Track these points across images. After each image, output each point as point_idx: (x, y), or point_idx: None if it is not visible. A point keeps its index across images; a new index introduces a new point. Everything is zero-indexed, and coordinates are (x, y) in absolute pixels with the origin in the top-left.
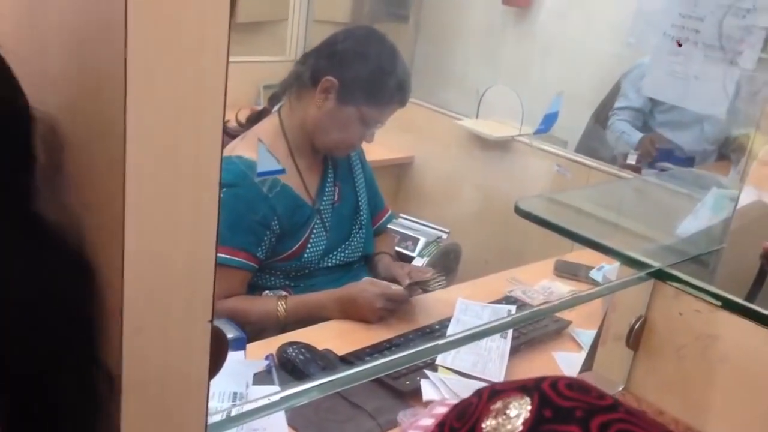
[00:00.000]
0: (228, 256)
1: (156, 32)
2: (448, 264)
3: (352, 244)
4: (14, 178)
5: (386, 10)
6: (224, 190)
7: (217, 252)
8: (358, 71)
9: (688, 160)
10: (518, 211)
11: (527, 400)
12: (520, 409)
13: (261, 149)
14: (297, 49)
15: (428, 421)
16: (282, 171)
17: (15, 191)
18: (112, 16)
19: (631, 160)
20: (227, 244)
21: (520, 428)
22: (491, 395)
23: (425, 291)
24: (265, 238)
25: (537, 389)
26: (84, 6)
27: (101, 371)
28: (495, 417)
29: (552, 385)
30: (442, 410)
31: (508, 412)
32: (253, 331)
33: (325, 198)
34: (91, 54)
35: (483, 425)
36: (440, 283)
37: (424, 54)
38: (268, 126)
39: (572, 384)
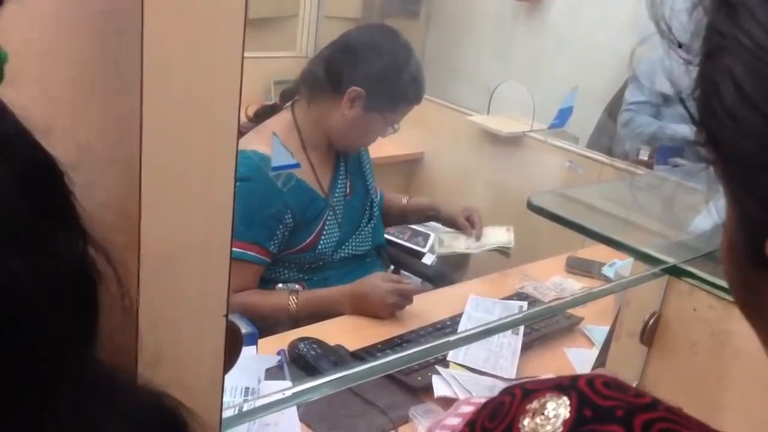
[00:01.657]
0: (241, 250)
1: (172, 28)
2: (458, 260)
3: (362, 235)
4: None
5: (397, 6)
6: (238, 184)
7: (232, 247)
8: (384, 80)
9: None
10: (531, 206)
11: (565, 399)
12: (558, 409)
13: (275, 143)
14: (308, 45)
15: (455, 421)
16: (296, 165)
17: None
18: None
19: (644, 155)
20: (240, 238)
21: (561, 428)
22: (525, 394)
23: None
24: (278, 232)
25: (574, 388)
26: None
27: None
28: (533, 417)
29: (589, 384)
30: (468, 409)
31: (546, 412)
32: (265, 325)
33: (337, 191)
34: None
35: (520, 426)
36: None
37: (434, 49)
38: (281, 121)
39: (609, 382)
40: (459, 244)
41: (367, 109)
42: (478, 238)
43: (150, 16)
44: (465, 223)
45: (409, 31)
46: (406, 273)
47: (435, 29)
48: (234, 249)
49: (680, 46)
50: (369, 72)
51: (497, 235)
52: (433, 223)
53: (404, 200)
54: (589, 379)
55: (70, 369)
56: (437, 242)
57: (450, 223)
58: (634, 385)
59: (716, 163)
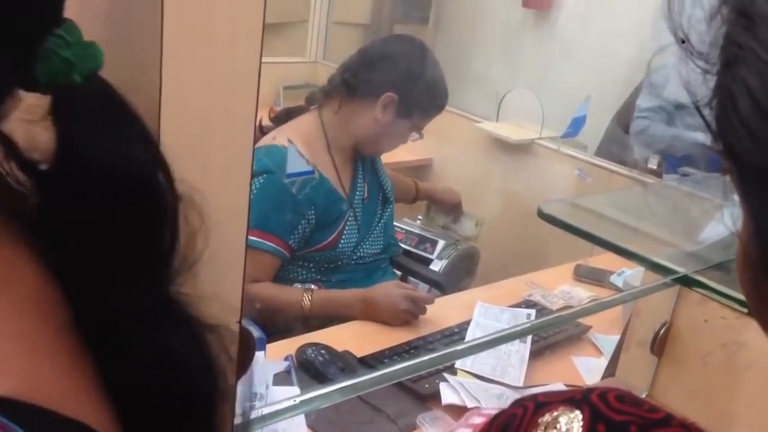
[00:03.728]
0: (259, 240)
1: (190, 32)
2: (466, 267)
3: (373, 234)
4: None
5: (406, 12)
6: (264, 175)
7: (251, 238)
8: (416, 87)
9: (714, 163)
10: (541, 215)
11: (577, 413)
12: (570, 423)
13: (291, 150)
14: (317, 51)
15: None
16: (311, 172)
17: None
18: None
19: (652, 164)
20: (260, 228)
21: None
22: (537, 407)
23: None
24: (299, 227)
25: (586, 401)
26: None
27: None
28: (545, 431)
29: (601, 397)
30: (478, 420)
31: (558, 426)
32: (276, 321)
33: (357, 194)
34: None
35: None
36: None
37: (443, 56)
38: (308, 122)
39: (622, 396)
40: (438, 220)
41: (398, 115)
42: (454, 221)
43: (170, 21)
44: (450, 206)
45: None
46: (414, 280)
47: (444, 36)
48: (253, 238)
49: (699, 54)
50: (402, 79)
51: (466, 228)
52: (441, 230)
53: (414, 185)
54: (602, 393)
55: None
56: (425, 211)
57: (440, 203)
58: (644, 396)
59: (732, 172)
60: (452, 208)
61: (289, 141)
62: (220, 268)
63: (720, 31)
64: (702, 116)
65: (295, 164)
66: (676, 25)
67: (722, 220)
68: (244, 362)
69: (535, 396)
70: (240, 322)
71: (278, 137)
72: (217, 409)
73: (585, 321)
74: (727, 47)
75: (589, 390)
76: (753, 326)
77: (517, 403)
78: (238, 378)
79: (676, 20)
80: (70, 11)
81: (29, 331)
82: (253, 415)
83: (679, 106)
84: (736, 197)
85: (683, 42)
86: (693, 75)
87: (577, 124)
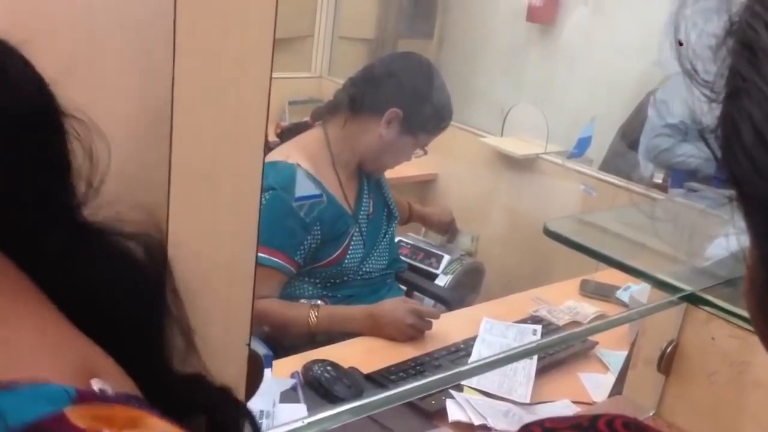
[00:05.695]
0: (266, 256)
1: (201, 51)
2: (472, 282)
3: (378, 250)
4: (55, 185)
5: (411, 27)
6: (270, 191)
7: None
8: (421, 104)
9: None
10: (547, 232)
11: None
12: None
13: (299, 174)
14: (322, 66)
15: None
16: (319, 196)
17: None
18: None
19: (657, 178)
20: (267, 245)
21: None
22: None
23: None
24: (305, 243)
25: (593, 429)
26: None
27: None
28: None
29: (608, 425)
30: None
31: None
32: (282, 336)
33: (362, 210)
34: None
35: None
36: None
37: (448, 71)
38: (313, 138)
39: (629, 423)
40: (435, 239)
41: (402, 131)
42: (450, 240)
43: (182, 37)
44: (443, 226)
45: (422, 53)
46: (419, 295)
47: (448, 50)
48: (260, 254)
49: (705, 83)
50: (408, 96)
51: (462, 244)
52: (446, 245)
53: (408, 207)
54: (609, 420)
55: None
56: (424, 230)
57: (434, 225)
58: (651, 414)
59: (738, 200)
60: (446, 228)
61: (298, 164)
62: (229, 285)
63: (725, 62)
64: (707, 143)
65: (303, 188)
66: (681, 54)
67: (724, 242)
68: (252, 384)
69: (542, 421)
70: (249, 344)
71: (285, 154)
72: (157, 314)
73: (592, 337)
74: (731, 78)
75: (597, 417)
76: (760, 345)
77: (524, 429)
78: (247, 399)
79: (682, 49)
80: (85, 43)
81: (39, 314)
82: None
83: (684, 125)
84: (743, 223)
85: (692, 74)
86: (698, 103)
87: (583, 144)
